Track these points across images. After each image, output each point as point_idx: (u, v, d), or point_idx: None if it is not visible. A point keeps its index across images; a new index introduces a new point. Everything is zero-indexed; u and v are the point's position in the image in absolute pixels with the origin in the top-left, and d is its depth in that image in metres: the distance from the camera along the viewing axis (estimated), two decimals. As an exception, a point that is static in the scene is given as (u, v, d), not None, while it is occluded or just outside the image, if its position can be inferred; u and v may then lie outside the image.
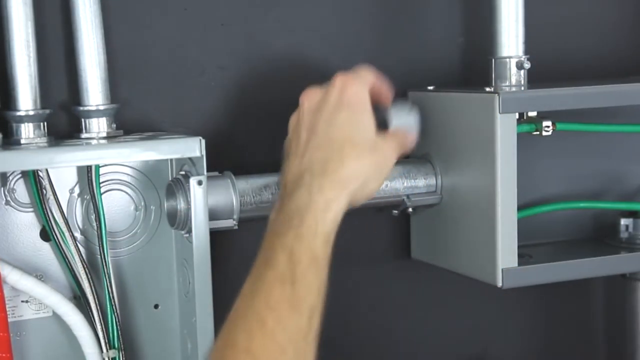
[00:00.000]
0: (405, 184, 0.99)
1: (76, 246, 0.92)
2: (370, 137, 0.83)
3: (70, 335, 0.93)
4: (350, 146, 0.81)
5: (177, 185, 0.90)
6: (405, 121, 0.91)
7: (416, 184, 0.99)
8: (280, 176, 0.86)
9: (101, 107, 0.91)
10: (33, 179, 0.91)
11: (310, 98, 0.85)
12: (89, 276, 0.92)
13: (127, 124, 0.95)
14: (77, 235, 0.94)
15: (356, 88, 0.83)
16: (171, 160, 0.94)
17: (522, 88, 0.98)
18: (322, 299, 0.76)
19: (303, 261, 0.75)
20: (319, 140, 0.82)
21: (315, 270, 0.76)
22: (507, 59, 0.99)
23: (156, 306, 0.98)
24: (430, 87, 1.04)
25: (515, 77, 0.99)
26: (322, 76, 1.03)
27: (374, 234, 1.05)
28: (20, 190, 0.92)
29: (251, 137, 1.02)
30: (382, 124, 0.87)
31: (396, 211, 1.01)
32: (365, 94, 0.84)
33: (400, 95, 1.06)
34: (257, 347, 0.72)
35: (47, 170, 0.91)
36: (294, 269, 0.75)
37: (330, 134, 0.82)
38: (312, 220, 0.77)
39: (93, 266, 0.94)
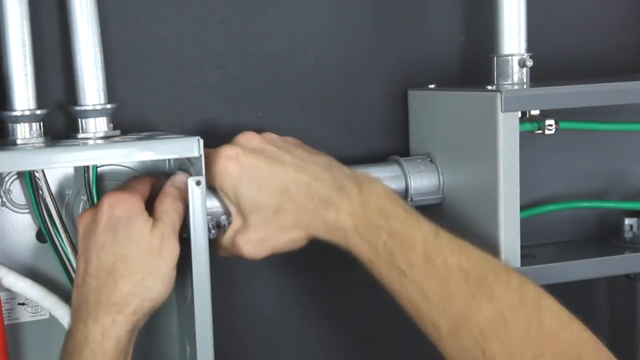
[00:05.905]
0: (407, 184, 0.98)
1: (73, 248, 0.91)
2: (142, 249, 0.81)
3: (67, 338, 0.92)
4: (122, 266, 0.81)
5: (175, 186, 0.89)
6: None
7: (418, 184, 0.98)
8: None
9: (98, 107, 0.90)
10: (29, 179, 0.90)
11: (82, 222, 0.84)
12: (86, 278, 0.91)
13: (125, 124, 0.94)
14: (74, 236, 0.93)
15: (123, 204, 0.81)
16: (169, 160, 0.93)
17: (525, 86, 0.98)
18: None
19: None
20: (93, 267, 0.81)
21: None
22: (509, 57, 0.98)
23: (154, 308, 0.97)
24: (432, 86, 1.04)
25: (517, 75, 0.98)
26: (321, 75, 1.03)
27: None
28: (16, 192, 0.91)
29: (250, 137, 1.01)
30: None
31: (397, 211, 1.00)
32: (134, 203, 0.82)
33: (401, 94, 1.06)
34: None
35: (43, 171, 0.90)
36: None
37: (103, 258, 0.81)
38: (90, 354, 0.79)
39: (90, 268, 0.93)
